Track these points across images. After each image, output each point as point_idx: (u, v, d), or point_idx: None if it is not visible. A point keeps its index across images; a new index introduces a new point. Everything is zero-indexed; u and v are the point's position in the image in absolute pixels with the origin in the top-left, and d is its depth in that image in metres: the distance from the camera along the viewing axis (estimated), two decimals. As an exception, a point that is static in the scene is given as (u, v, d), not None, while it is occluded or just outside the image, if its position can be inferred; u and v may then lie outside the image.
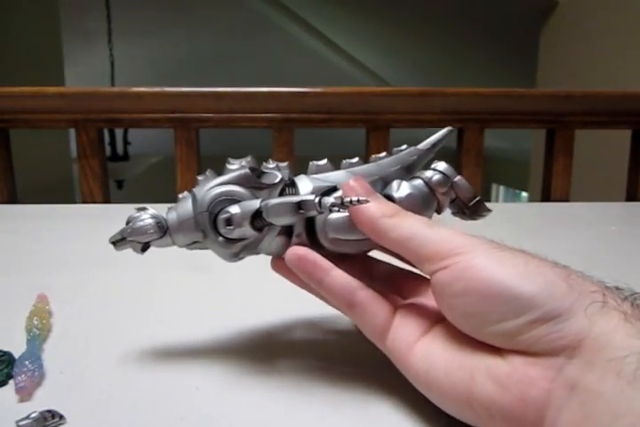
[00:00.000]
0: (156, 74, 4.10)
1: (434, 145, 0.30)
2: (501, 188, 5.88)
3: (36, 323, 0.34)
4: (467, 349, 0.23)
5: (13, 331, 0.34)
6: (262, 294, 0.42)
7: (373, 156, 0.30)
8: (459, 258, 0.23)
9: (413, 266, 0.31)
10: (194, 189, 0.28)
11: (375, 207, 0.26)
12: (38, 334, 0.33)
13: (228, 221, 0.26)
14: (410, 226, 0.25)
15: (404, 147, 0.30)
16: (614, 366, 0.19)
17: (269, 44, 3.90)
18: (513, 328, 0.21)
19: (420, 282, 0.30)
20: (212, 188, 0.27)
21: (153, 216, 0.28)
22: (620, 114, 0.95)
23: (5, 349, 0.30)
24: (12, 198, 0.90)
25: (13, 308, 0.37)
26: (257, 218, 0.26)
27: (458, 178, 0.30)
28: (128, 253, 0.29)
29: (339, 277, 0.27)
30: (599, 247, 0.57)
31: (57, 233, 0.60)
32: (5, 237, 0.59)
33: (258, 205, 0.26)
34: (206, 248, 0.29)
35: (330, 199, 0.25)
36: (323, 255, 0.27)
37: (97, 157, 0.89)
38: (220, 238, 0.27)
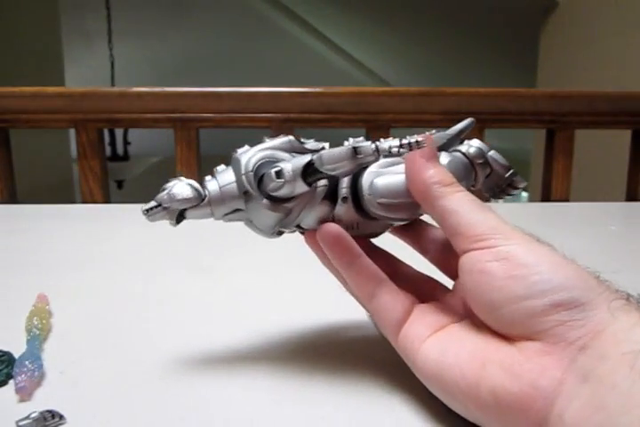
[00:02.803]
0: (156, 74, 4.09)
1: (460, 131, 0.31)
2: (501, 188, 5.87)
3: (35, 323, 0.34)
4: (480, 341, 0.24)
5: (13, 331, 0.33)
6: (263, 295, 0.42)
7: (407, 137, 0.30)
8: (497, 242, 0.24)
9: (422, 251, 0.31)
10: (236, 155, 0.28)
11: (434, 171, 0.26)
12: (38, 334, 0.33)
13: (278, 174, 0.26)
14: (459, 199, 0.25)
15: (434, 131, 0.31)
16: (628, 359, 0.19)
17: (269, 44, 3.90)
18: (536, 307, 0.22)
19: (438, 288, 0.30)
20: (257, 152, 0.27)
21: (189, 184, 0.28)
22: (620, 114, 0.95)
23: (5, 349, 0.30)
24: (12, 198, 0.90)
25: (13, 308, 0.37)
26: (308, 173, 0.26)
27: (492, 152, 0.31)
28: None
29: (367, 264, 0.27)
30: (599, 247, 0.57)
31: (57, 233, 0.60)
32: (5, 237, 0.59)
33: (309, 158, 0.26)
34: (245, 219, 0.28)
35: (388, 143, 0.25)
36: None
37: (97, 157, 0.89)
38: (265, 200, 0.27)
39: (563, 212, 0.79)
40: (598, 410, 0.19)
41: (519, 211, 0.78)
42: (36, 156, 1.98)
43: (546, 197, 0.96)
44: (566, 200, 0.95)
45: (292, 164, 0.26)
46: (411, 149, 0.25)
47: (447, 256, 0.30)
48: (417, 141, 0.25)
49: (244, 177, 0.27)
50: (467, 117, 0.32)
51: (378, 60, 4.25)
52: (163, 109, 0.88)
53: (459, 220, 0.25)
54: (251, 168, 0.27)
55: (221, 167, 0.29)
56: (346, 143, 0.29)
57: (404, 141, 0.25)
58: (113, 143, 3.41)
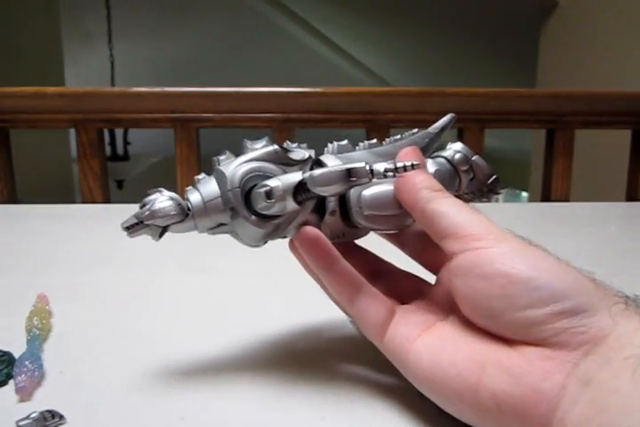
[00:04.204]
0: (156, 74, 4.09)
1: (442, 129, 0.31)
2: (501, 188, 5.87)
3: (35, 323, 0.34)
4: (476, 342, 0.23)
5: (13, 331, 0.33)
6: (263, 296, 0.42)
7: (388, 138, 0.30)
8: (493, 244, 0.23)
9: (401, 246, 0.31)
10: (219, 167, 0.26)
11: (423, 177, 0.26)
12: (38, 334, 0.33)
13: (269, 195, 0.25)
14: (449, 202, 0.25)
15: (416, 130, 0.31)
16: (631, 363, 0.19)
17: (270, 44, 3.90)
18: (538, 316, 0.21)
19: (419, 283, 0.30)
20: (241, 164, 0.26)
21: (171, 198, 0.26)
22: (620, 114, 0.95)
23: (5, 349, 0.30)
24: (12, 198, 0.90)
25: (13, 308, 0.37)
26: (298, 191, 0.25)
27: (475, 157, 0.31)
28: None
29: (346, 268, 0.26)
30: (599, 247, 0.57)
31: (57, 233, 0.60)
32: (5, 237, 0.59)
33: (300, 177, 0.25)
34: (230, 232, 0.27)
35: (383, 165, 0.24)
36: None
37: (97, 157, 0.89)
38: (253, 217, 0.26)
39: (563, 212, 0.79)
40: (600, 413, 0.19)
41: (519, 211, 0.78)
42: (36, 156, 1.98)
43: (546, 197, 0.96)
44: (566, 200, 0.95)
45: (282, 183, 0.25)
46: (405, 171, 0.24)
47: (426, 249, 0.30)
48: (412, 165, 0.24)
49: (230, 193, 0.26)
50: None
51: (378, 59, 4.25)
52: (163, 109, 0.89)
53: (451, 221, 0.25)
54: (237, 184, 0.26)
55: (202, 176, 0.27)
56: (329, 146, 0.29)
57: (400, 164, 0.24)
58: (113, 143, 3.41)
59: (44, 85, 0.89)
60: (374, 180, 0.24)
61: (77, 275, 0.46)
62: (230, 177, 0.26)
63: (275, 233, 0.27)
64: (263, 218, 0.26)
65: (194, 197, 0.26)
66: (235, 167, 0.26)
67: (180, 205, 0.26)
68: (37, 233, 0.60)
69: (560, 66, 2.13)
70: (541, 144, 1.01)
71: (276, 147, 0.27)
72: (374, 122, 0.91)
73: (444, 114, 0.31)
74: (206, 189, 0.26)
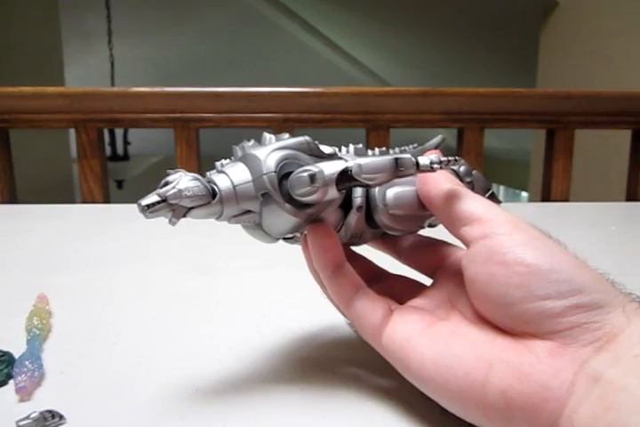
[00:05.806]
0: (156, 74, 4.10)
1: (435, 147, 0.32)
2: (501, 188, 5.88)
3: (35, 323, 0.34)
4: (482, 340, 0.23)
5: (13, 331, 0.34)
6: (264, 296, 0.42)
7: (392, 150, 0.31)
8: (514, 231, 0.23)
9: (396, 255, 0.32)
10: (252, 152, 0.25)
11: (446, 174, 0.27)
12: (38, 334, 0.33)
13: (313, 179, 0.24)
14: (471, 193, 0.26)
15: (416, 144, 0.32)
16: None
17: (270, 44, 3.90)
18: (554, 308, 0.21)
19: (416, 287, 0.30)
20: (275, 150, 0.25)
21: (197, 178, 0.24)
22: (620, 114, 0.95)
23: (5, 349, 0.30)
24: (12, 198, 0.90)
25: (13, 308, 0.37)
26: (339, 179, 0.24)
27: (475, 172, 0.32)
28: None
29: (350, 271, 0.27)
30: (599, 247, 0.57)
31: (57, 233, 0.60)
32: (5, 237, 0.59)
33: (344, 165, 0.24)
34: (252, 221, 0.26)
35: (427, 158, 0.24)
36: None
37: (97, 157, 0.89)
38: (288, 205, 0.25)
39: (563, 212, 0.79)
40: (608, 410, 0.19)
41: (519, 211, 0.78)
42: (36, 156, 1.98)
43: (546, 197, 0.96)
44: (566, 200, 0.95)
45: (326, 169, 0.24)
46: (447, 166, 0.25)
47: (421, 254, 0.30)
48: (455, 159, 0.25)
49: (265, 177, 0.24)
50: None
51: (378, 60, 4.25)
52: (163, 109, 0.89)
53: (473, 207, 0.25)
54: (273, 168, 0.24)
55: (227, 162, 0.26)
56: (344, 149, 0.29)
57: (444, 158, 0.24)
58: (113, 143, 3.41)
59: (44, 85, 0.89)
60: (417, 173, 0.25)
61: (77, 275, 0.46)
62: (266, 161, 0.25)
63: (302, 225, 0.26)
64: (298, 206, 0.25)
65: (222, 181, 0.24)
66: (270, 152, 0.25)
67: (206, 187, 0.24)
68: (37, 233, 0.60)
69: (560, 66, 2.13)
70: (541, 144, 1.01)
71: (307, 138, 0.26)
72: (374, 122, 0.91)
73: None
74: (235, 172, 0.25)
